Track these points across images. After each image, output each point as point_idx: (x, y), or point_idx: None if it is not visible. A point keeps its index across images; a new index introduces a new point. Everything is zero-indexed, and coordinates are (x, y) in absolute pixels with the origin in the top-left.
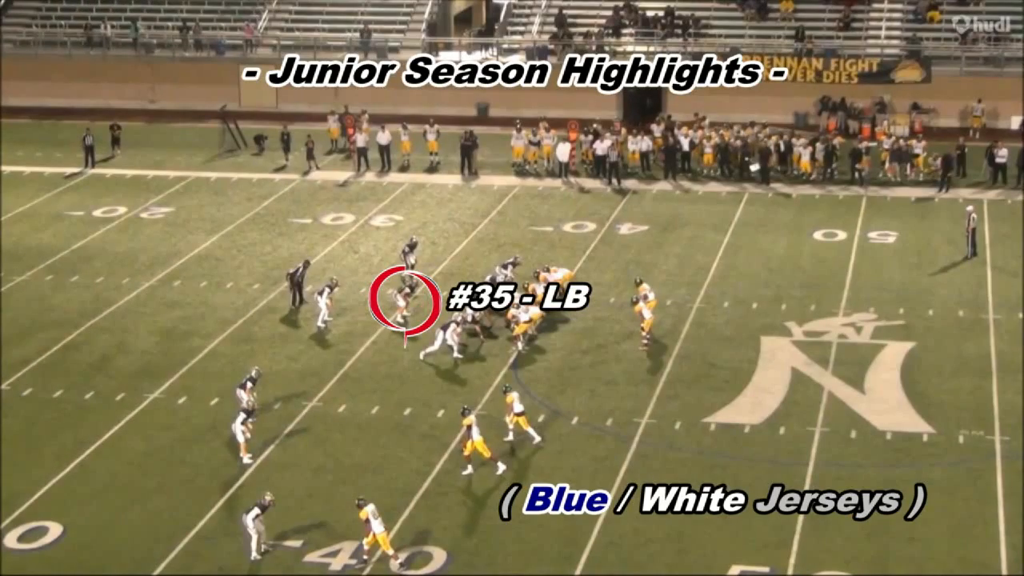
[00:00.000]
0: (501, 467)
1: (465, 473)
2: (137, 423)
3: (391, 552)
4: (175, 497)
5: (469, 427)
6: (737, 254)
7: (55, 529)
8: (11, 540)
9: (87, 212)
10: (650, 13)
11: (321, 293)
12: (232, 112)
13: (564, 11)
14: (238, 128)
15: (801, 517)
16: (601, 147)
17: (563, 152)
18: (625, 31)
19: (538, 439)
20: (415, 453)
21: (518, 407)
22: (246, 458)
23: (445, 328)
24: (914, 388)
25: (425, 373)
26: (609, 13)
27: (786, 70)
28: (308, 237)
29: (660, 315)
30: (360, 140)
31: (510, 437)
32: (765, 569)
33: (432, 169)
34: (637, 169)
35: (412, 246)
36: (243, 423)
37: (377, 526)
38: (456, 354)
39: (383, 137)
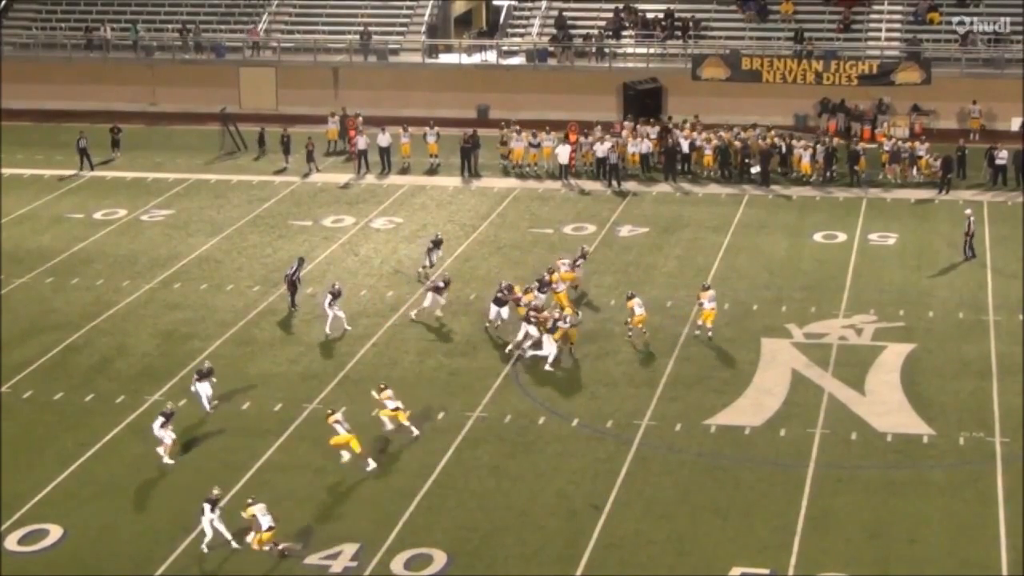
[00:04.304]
0: (372, 464)
1: (369, 468)
2: (137, 425)
3: (266, 548)
4: (175, 499)
5: (336, 423)
6: (737, 256)
7: (56, 531)
8: (11, 542)
9: (87, 214)
10: (650, 15)
11: (331, 305)
12: (232, 114)
13: (564, 13)
14: (238, 130)
15: (801, 518)
16: (601, 149)
17: (563, 154)
18: (625, 33)
19: (416, 432)
20: (415, 455)
21: (392, 404)
22: (166, 458)
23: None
24: (914, 390)
25: (425, 375)
26: (609, 15)
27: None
28: (308, 239)
29: (660, 317)
30: (360, 142)
31: (388, 427)
32: (765, 571)
33: (432, 171)
34: (637, 171)
35: (437, 243)
36: (162, 426)
37: (266, 523)
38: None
39: (383, 139)
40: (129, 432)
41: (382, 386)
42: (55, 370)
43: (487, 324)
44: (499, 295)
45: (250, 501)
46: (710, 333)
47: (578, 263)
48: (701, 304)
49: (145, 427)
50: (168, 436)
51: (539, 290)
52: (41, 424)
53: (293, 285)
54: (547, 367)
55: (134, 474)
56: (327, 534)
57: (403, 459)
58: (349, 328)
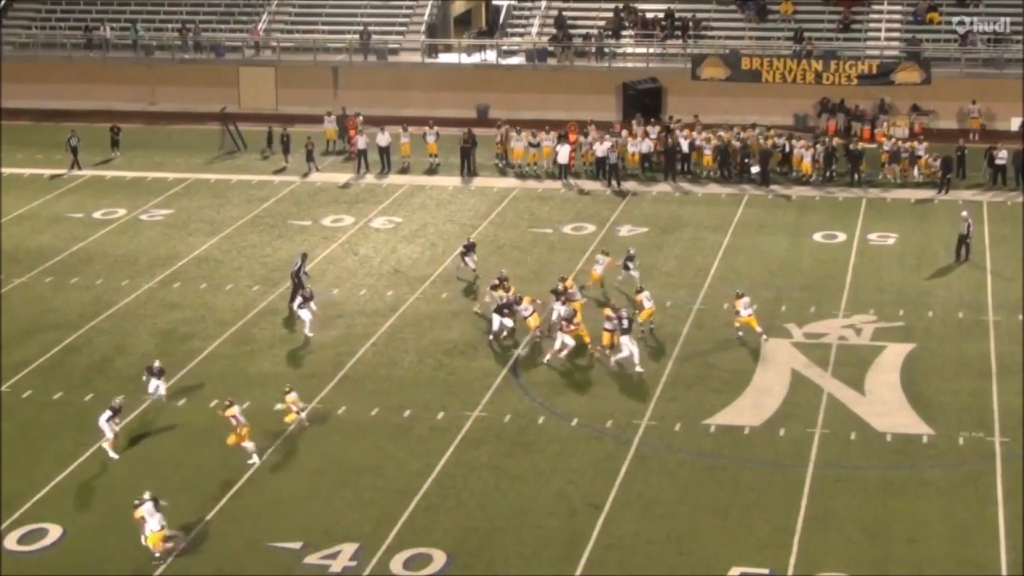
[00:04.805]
0: (254, 457)
1: (250, 461)
2: (136, 425)
3: (158, 552)
4: (174, 499)
5: (233, 417)
6: (737, 256)
7: (55, 531)
8: (11, 542)
9: (87, 214)
10: (650, 15)
11: (302, 307)
12: (232, 114)
13: (564, 13)
14: (238, 130)
15: (801, 518)
16: (601, 149)
17: (563, 154)
18: (625, 33)
19: (306, 422)
20: (414, 455)
21: (296, 406)
22: (111, 452)
23: (495, 289)
24: (914, 390)
25: (424, 375)
26: (609, 15)
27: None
28: (308, 239)
29: (660, 316)
30: (360, 142)
31: (298, 420)
32: (765, 570)
33: (432, 171)
34: (637, 171)
35: (469, 247)
36: (108, 420)
37: (154, 524)
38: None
39: (383, 139)
40: (128, 432)
41: (288, 388)
42: (54, 370)
43: (491, 338)
44: (501, 306)
45: (137, 502)
46: (764, 336)
47: (628, 266)
48: (738, 312)
49: (144, 426)
50: (110, 430)
51: (557, 300)
52: (41, 424)
53: (299, 281)
54: (638, 368)
55: (133, 474)
56: (327, 534)
57: (403, 459)
58: (311, 335)
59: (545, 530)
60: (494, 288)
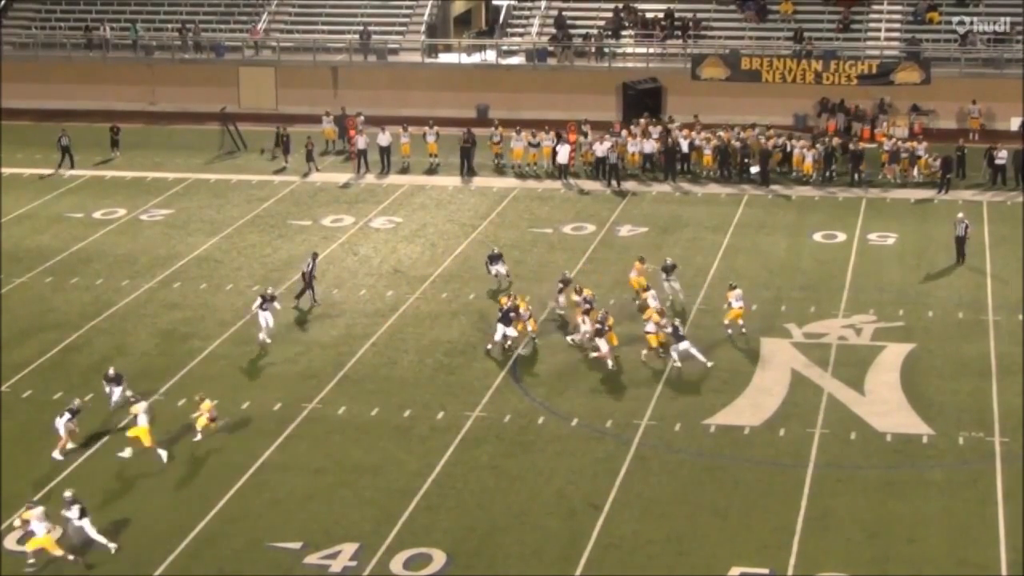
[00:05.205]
0: (163, 454)
1: (121, 455)
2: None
3: (60, 554)
4: (174, 499)
5: (136, 415)
6: (737, 256)
7: (55, 531)
8: (11, 542)
9: (87, 214)
10: (650, 15)
11: (263, 307)
12: (232, 114)
13: (564, 13)
14: (237, 130)
15: (801, 518)
16: (601, 149)
17: (562, 154)
18: (625, 33)
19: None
20: (414, 455)
21: (212, 413)
22: (57, 454)
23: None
24: (914, 390)
25: (424, 375)
26: (609, 15)
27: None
28: (308, 239)
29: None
30: (360, 142)
31: (198, 438)
32: (765, 570)
33: (432, 171)
34: (637, 171)
35: (494, 257)
36: (68, 421)
37: (41, 530)
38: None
39: (383, 139)
40: (127, 432)
41: (199, 398)
42: (54, 370)
43: (490, 346)
44: (504, 313)
45: (28, 506)
46: (743, 330)
47: (667, 277)
48: (729, 304)
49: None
50: (64, 430)
51: (584, 309)
52: (40, 424)
53: (310, 281)
54: (708, 363)
55: (133, 474)
56: (327, 534)
57: (403, 459)
58: (268, 341)
59: (545, 530)
60: (560, 291)
